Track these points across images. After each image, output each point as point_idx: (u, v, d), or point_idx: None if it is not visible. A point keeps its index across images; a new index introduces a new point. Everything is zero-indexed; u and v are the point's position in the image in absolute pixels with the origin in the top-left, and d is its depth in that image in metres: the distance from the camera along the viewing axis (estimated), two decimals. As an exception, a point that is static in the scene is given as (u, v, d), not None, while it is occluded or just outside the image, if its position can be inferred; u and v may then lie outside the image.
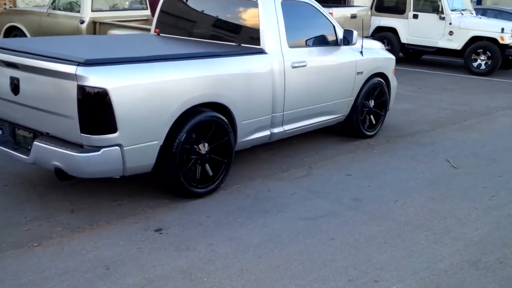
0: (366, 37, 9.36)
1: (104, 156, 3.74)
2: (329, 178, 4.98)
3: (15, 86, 4.02)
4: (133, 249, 3.52)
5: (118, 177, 3.99)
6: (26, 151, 4.07)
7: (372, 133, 6.49)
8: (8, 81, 4.06)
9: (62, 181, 3.91)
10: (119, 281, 3.14)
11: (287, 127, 5.25)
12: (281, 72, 4.96)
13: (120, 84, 3.74)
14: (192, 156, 4.34)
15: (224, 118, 4.48)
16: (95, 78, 3.63)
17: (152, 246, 3.57)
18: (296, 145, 5.95)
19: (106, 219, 3.97)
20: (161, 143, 4.06)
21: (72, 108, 3.69)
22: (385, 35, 12.78)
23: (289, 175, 5.05)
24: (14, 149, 4.20)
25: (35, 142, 3.93)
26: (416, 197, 4.59)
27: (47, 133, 4.01)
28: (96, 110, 3.68)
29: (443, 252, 3.62)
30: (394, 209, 4.30)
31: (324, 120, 5.76)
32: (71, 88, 3.67)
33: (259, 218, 4.04)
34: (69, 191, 4.43)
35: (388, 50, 12.48)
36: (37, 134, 4.09)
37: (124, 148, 3.82)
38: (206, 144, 4.42)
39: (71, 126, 3.75)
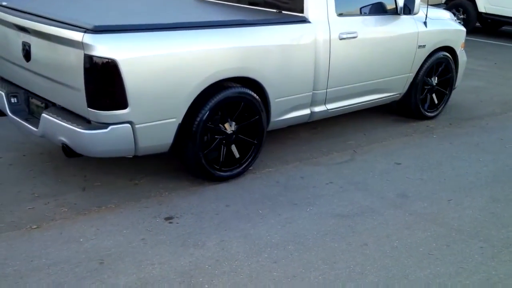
0: (434, 5, 8.46)
1: (112, 134, 3.35)
2: (374, 166, 4.39)
3: (26, 52, 3.69)
4: (135, 240, 3.15)
5: (131, 156, 3.60)
6: (37, 123, 3.75)
7: (432, 114, 5.77)
8: (20, 46, 3.74)
9: (69, 157, 3.56)
10: (110, 280, 2.78)
11: (330, 106, 4.68)
12: (326, 44, 4.36)
13: (133, 54, 3.31)
14: (216, 136, 3.89)
15: (255, 95, 3.97)
16: (103, 47, 3.22)
17: (157, 238, 3.18)
18: (342, 124, 5.37)
19: (117, 201, 3.62)
20: (179, 121, 3.62)
21: (79, 79, 3.31)
22: (461, 3, 11.65)
23: (329, 159, 4.50)
24: (26, 120, 3.91)
25: (43, 114, 3.60)
26: (475, 196, 3.92)
27: (59, 105, 3.68)
28: (104, 83, 3.28)
29: (500, 271, 3.00)
30: (446, 211, 3.67)
31: (376, 99, 5.12)
32: (78, 57, 3.28)
33: (285, 211, 3.55)
34: (86, 165, 4.12)
35: (464, 19, 11.43)
36: (48, 105, 3.76)
37: (136, 126, 3.42)
38: (233, 123, 3.95)
39: (79, 99, 3.38)
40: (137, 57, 3.32)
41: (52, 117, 3.53)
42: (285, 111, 4.32)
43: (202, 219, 3.42)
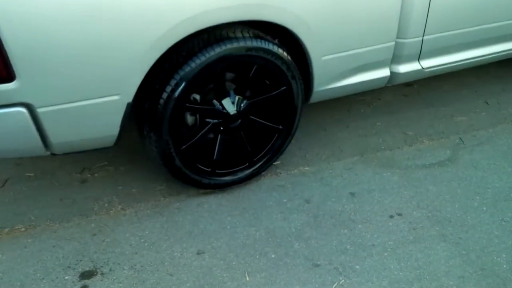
0: None
1: (-12, 125, 1.91)
2: (486, 181, 2.55)
3: None
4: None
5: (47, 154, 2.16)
6: None
7: None
8: None
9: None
10: None
11: (428, 63, 2.80)
12: (427, -44, 2.43)
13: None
14: (208, 120, 2.30)
15: (281, 52, 2.26)
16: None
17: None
18: (453, 80, 3.45)
19: (35, 218, 2.27)
20: (129, 100, 2.06)
21: None
22: None
23: (412, 155, 2.73)
24: None
25: None
26: None
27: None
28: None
29: None
30: None
31: (507, 51, 3.08)
32: None
33: (289, 285, 1.96)
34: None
35: None
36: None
37: (39, 110, 1.93)
38: (238, 99, 2.31)
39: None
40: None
41: None
42: (341, 75, 2.56)
43: (140, 285, 1.95)
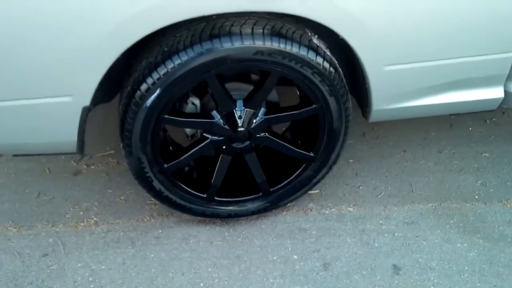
0: None
1: None
2: None
3: None
4: None
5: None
6: None
7: None
8: None
9: None
10: None
11: None
12: None
13: None
14: (206, 135, 1.70)
15: (312, 57, 1.53)
16: None
17: None
18: None
19: (20, 213, 1.95)
20: (85, 103, 1.54)
21: None
22: None
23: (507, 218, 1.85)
24: None
25: None
26: None
27: None
28: None
29: None
30: None
31: None
32: None
33: None
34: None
35: None
36: None
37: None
38: (246, 112, 1.66)
39: None
40: None
41: None
42: (420, 91, 1.74)
43: None
